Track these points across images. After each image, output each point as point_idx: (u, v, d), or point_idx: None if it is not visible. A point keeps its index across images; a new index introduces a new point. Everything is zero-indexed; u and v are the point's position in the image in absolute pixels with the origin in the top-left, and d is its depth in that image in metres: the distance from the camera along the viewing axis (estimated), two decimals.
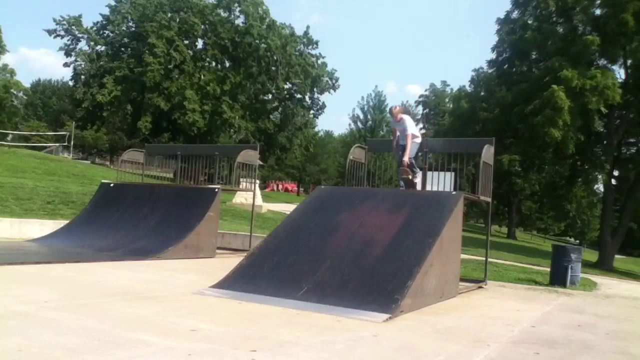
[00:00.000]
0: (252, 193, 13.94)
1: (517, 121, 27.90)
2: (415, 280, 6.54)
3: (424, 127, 61.51)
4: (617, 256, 32.89)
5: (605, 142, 29.31)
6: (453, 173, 10.14)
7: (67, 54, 43.26)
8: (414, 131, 9.90)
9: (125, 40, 43.81)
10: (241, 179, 14.16)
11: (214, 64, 44.86)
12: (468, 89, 39.53)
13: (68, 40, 43.14)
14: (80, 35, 43.21)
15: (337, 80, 46.65)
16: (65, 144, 39.32)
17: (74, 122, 44.35)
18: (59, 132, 46.42)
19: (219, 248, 12.34)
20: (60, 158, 31.79)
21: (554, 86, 24.17)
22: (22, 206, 14.91)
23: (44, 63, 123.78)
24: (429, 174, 10.18)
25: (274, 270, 7.37)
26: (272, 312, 5.97)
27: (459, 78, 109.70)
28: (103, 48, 43.75)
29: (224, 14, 43.60)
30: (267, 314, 5.85)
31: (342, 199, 9.02)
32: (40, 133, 51.63)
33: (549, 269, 11.31)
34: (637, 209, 32.24)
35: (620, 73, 28.30)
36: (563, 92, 24.06)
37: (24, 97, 57.60)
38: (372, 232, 7.76)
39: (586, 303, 8.74)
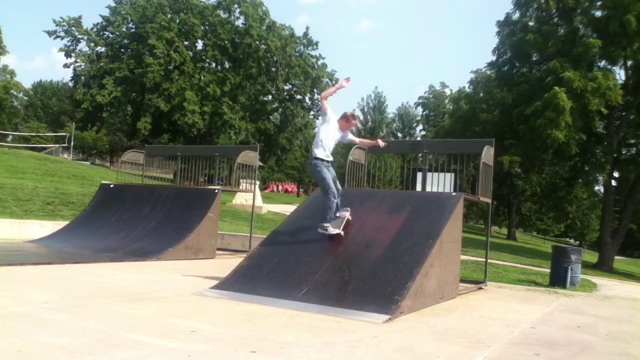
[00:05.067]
0: (252, 194, 13.94)
1: (518, 122, 27.92)
2: (415, 282, 6.53)
3: (423, 129, 61.56)
4: (617, 257, 32.91)
5: (605, 143, 29.33)
6: (453, 174, 10.14)
7: (67, 55, 43.33)
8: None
9: (125, 41, 43.84)
10: (241, 180, 14.17)
11: (213, 65, 44.89)
12: (467, 90, 39.60)
13: (68, 41, 43.23)
14: (80, 37, 43.28)
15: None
16: (65, 145, 39.33)
17: (74, 123, 44.36)
18: (59, 133, 46.44)
19: (218, 249, 12.34)
20: (60, 159, 31.80)
21: (556, 88, 24.19)
22: (22, 207, 14.92)
23: (45, 64, 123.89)
24: (429, 174, 10.18)
25: (274, 271, 7.36)
26: (272, 313, 5.97)
27: (459, 79, 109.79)
28: (103, 49, 43.78)
29: (223, 15, 43.64)
30: (266, 315, 5.85)
31: (342, 200, 9.01)
32: (40, 134, 51.66)
33: (548, 270, 11.31)
34: (637, 210, 32.26)
35: (620, 74, 28.37)
36: (565, 93, 24.08)
37: (24, 98, 57.63)
38: (372, 233, 7.76)
39: (586, 304, 8.74)
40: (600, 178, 30.37)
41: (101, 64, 42.36)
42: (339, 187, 8.20)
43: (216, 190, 12.05)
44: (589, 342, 5.78)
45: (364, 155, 10.97)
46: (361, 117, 67.93)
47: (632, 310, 8.68)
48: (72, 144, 38.72)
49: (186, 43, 43.07)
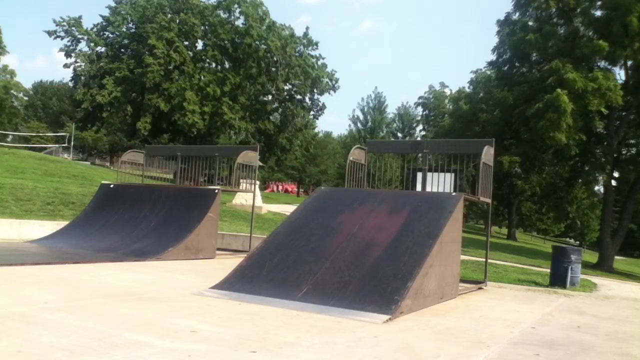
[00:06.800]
0: (252, 194, 13.94)
1: (518, 123, 27.91)
2: (415, 281, 6.54)
3: (423, 129, 61.57)
4: (617, 257, 32.90)
5: (605, 143, 29.33)
6: (453, 174, 10.15)
7: (67, 55, 43.28)
8: None
9: (126, 41, 43.80)
10: (241, 180, 14.17)
11: (213, 65, 44.85)
12: (467, 90, 39.61)
13: (68, 41, 43.18)
14: (80, 37, 43.21)
15: (337, 81, 46.65)
16: (65, 145, 39.31)
17: (74, 123, 44.34)
18: (59, 133, 46.42)
19: (218, 249, 12.34)
20: (60, 159, 31.78)
21: (558, 90, 24.19)
22: (22, 207, 14.91)
23: (46, 64, 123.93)
24: (429, 174, 10.18)
25: (274, 271, 7.36)
26: (272, 313, 5.97)
27: (459, 79, 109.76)
28: (103, 49, 43.74)
29: (223, 15, 43.59)
30: (267, 315, 5.85)
31: (342, 200, 9.02)
32: (40, 134, 51.61)
33: (549, 270, 11.32)
34: (637, 210, 32.25)
35: (620, 74, 28.36)
36: (566, 95, 24.10)
37: (24, 98, 57.62)
38: (372, 233, 7.75)
39: (586, 304, 8.74)
40: (600, 178, 30.37)
41: (101, 64, 42.31)
42: None
43: (216, 190, 12.05)
44: (589, 342, 5.78)
45: (364, 155, 10.98)
46: (361, 117, 68.05)
47: (632, 310, 8.68)
48: (72, 144, 38.70)
49: (186, 43, 43.03)
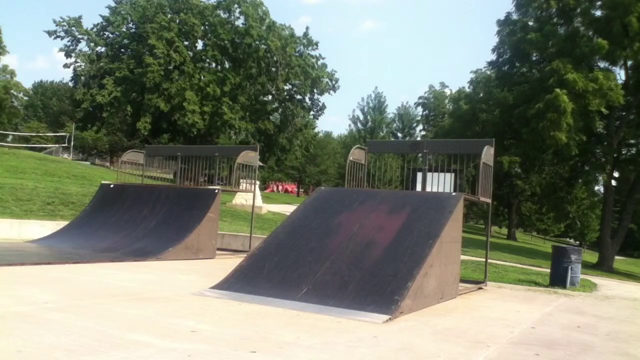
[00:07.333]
0: (252, 194, 13.95)
1: (518, 123, 27.92)
2: (415, 282, 6.54)
3: (423, 129, 61.59)
4: (617, 257, 32.90)
5: (605, 143, 29.34)
6: (453, 174, 10.15)
7: (67, 55, 43.27)
8: None
9: (126, 41, 43.79)
10: (241, 180, 14.17)
11: (213, 65, 44.86)
12: (467, 90, 39.62)
13: (68, 41, 43.18)
14: (80, 37, 43.21)
15: (337, 81, 46.63)
16: (65, 145, 39.30)
17: (74, 123, 44.33)
18: (59, 133, 46.39)
19: (219, 249, 12.35)
20: (60, 159, 31.78)
21: (557, 90, 24.20)
22: (22, 207, 14.91)
23: (47, 64, 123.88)
24: (429, 174, 10.18)
25: (274, 271, 7.37)
26: (272, 313, 5.97)
27: (459, 79, 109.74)
28: (103, 49, 43.73)
29: (223, 15, 43.59)
30: (267, 315, 5.85)
31: (342, 200, 9.02)
32: (40, 134, 51.61)
33: (549, 270, 11.32)
34: (637, 210, 32.26)
35: (620, 74, 28.36)
36: (566, 95, 24.10)
37: (24, 98, 57.62)
38: (372, 233, 7.76)
39: (586, 304, 8.74)
40: (600, 178, 30.37)
41: (101, 64, 42.30)
42: None
43: (216, 190, 12.05)
44: (589, 342, 5.78)
45: (364, 155, 10.97)
46: (361, 117, 68.04)
47: (632, 310, 8.68)
48: (72, 144, 38.69)
49: (186, 43, 43.03)
